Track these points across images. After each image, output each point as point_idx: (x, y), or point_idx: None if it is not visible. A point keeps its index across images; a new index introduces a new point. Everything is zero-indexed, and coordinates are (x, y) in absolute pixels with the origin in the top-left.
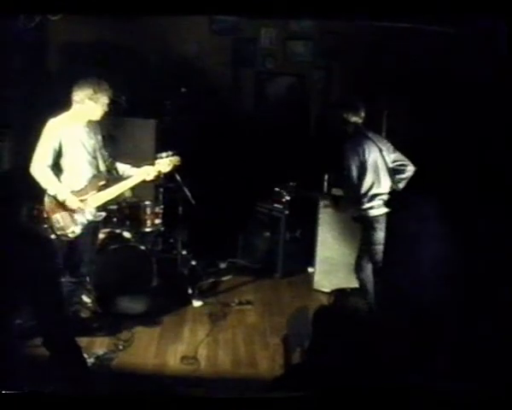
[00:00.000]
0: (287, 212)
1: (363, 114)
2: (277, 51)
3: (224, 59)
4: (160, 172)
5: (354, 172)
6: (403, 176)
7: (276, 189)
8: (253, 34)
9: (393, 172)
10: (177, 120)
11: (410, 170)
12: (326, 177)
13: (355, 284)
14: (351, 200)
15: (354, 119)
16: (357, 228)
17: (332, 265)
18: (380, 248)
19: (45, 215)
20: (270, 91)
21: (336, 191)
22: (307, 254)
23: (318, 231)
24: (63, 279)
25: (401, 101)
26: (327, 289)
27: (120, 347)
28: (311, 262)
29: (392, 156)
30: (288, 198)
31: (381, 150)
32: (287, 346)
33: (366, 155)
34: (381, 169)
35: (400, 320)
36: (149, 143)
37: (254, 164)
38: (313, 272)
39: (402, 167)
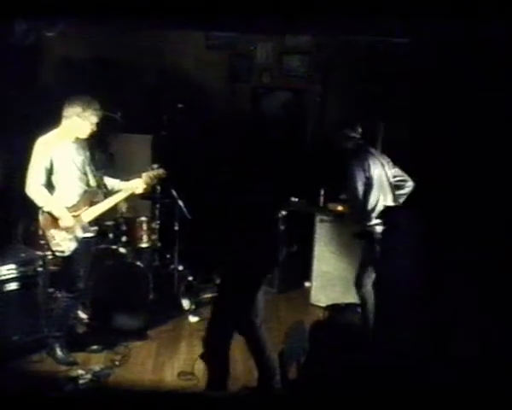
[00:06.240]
0: (283, 227)
1: (359, 130)
2: (273, 66)
3: (220, 74)
4: (148, 184)
5: (360, 189)
6: (402, 192)
7: None
8: (248, 49)
9: (394, 187)
10: (173, 135)
11: (410, 185)
12: (322, 192)
13: (352, 299)
14: (356, 216)
15: (353, 134)
16: (354, 243)
17: (329, 279)
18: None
19: (41, 232)
20: (267, 106)
21: (333, 206)
22: (304, 269)
23: (315, 245)
24: (59, 295)
25: (398, 114)
26: (324, 304)
27: (117, 362)
28: (308, 277)
29: (392, 171)
30: (284, 213)
31: (383, 165)
32: (283, 360)
33: (371, 171)
34: (384, 185)
35: (395, 333)
36: (146, 158)
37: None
38: (310, 287)
39: (402, 183)
